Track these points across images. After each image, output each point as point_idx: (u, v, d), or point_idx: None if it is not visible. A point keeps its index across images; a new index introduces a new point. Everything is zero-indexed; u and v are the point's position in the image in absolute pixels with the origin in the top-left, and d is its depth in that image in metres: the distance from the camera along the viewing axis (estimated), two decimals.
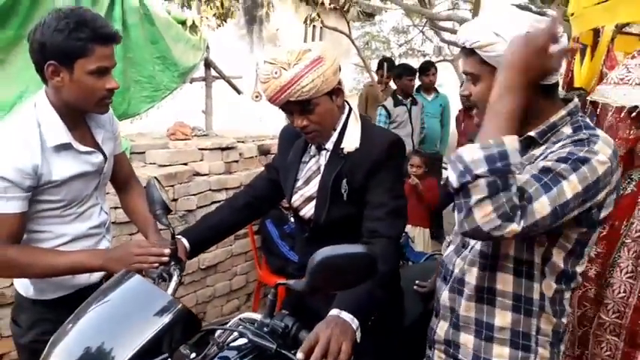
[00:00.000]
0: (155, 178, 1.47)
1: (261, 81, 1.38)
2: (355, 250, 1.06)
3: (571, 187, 1.03)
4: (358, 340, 1.18)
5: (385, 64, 5.99)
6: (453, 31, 10.97)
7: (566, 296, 1.24)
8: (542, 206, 1.01)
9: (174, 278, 1.28)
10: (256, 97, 1.39)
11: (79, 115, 1.49)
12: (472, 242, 1.29)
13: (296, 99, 1.37)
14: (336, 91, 1.46)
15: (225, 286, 3.50)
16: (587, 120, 1.21)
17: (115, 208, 1.85)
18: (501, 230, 0.98)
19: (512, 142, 1.01)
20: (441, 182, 5.12)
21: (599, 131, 1.15)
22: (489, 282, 1.23)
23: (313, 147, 1.55)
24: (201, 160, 3.26)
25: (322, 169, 1.52)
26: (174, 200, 3.01)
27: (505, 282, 1.21)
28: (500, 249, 1.20)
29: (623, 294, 1.83)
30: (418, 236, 4.26)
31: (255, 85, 1.41)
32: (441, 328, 1.34)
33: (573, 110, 1.19)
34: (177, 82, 3.74)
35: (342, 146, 1.48)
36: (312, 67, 1.35)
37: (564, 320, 1.25)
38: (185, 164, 3.16)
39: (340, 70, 1.44)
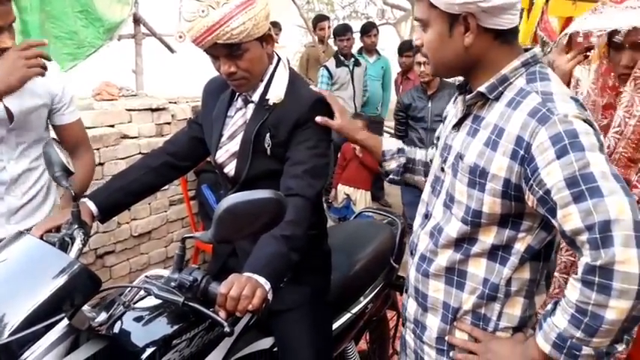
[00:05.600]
0: (53, 138, 1.36)
1: (186, 19, 1.25)
2: (262, 196, 1.01)
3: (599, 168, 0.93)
4: (270, 302, 1.15)
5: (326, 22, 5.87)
6: None
7: (544, 274, 1.17)
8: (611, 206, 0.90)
9: (77, 241, 1.19)
10: (180, 37, 1.28)
11: None
12: (435, 214, 1.22)
13: (224, 42, 1.26)
14: (267, 38, 1.37)
15: (160, 254, 3.39)
16: (548, 71, 1.10)
17: None
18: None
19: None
20: None
21: (553, 85, 1.05)
22: (461, 265, 1.16)
23: (240, 100, 1.47)
24: (130, 122, 3.08)
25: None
26: (101, 165, 2.85)
27: (478, 265, 1.14)
28: (479, 234, 1.12)
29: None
30: (360, 198, 4.30)
31: (178, 23, 1.29)
32: (411, 307, 1.29)
33: (529, 60, 1.08)
34: (103, 38, 3.51)
35: (267, 97, 1.41)
36: (243, 8, 1.24)
37: (538, 299, 1.17)
38: (112, 126, 2.97)
39: (281, 28, 1.34)
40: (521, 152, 1.00)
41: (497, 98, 1.09)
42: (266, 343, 1.52)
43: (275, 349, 1.53)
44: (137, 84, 3.76)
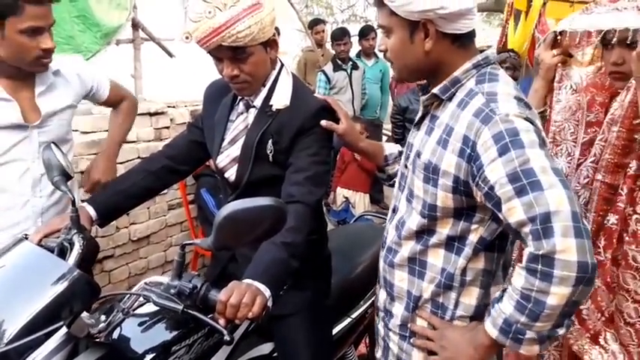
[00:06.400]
0: (53, 142, 1.37)
1: (192, 20, 1.26)
2: (263, 203, 1.01)
3: (540, 164, 0.98)
4: (270, 309, 1.14)
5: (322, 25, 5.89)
6: None
7: (500, 265, 1.21)
8: (550, 200, 0.95)
9: (76, 247, 1.19)
10: (186, 37, 1.27)
11: (20, 69, 1.52)
12: (400, 208, 1.27)
13: (229, 44, 1.27)
14: (271, 43, 1.38)
15: (159, 258, 3.38)
16: (499, 72, 1.15)
17: None
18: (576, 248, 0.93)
19: None
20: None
21: (499, 86, 1.09)
22: (421, 255, 1.21)
23: (241, 104, 1.47)
24: None
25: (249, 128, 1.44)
26: None
27: (436, 256, 1.20)
28: (436, 226, 1.18)
29: None
30: (359, 201, 4.29)
31: (184, 23, 1.29)
32: (381, 297, 1.34)
33: (481, 62, 1.14)
34: (101, 43, 3.52)
35: (271, 103, 1.40)
36: (250, 12, 1.25)
37: (495, 289, 1.20)
38: None
39: (280, 33, 1.35)
40: (468, 150, 1.06)
41: (450, 99, 1.15)
42: (266, 348, 1.52)
43: (275, 354, 1.53)
44: (136, 88, 3.77)
